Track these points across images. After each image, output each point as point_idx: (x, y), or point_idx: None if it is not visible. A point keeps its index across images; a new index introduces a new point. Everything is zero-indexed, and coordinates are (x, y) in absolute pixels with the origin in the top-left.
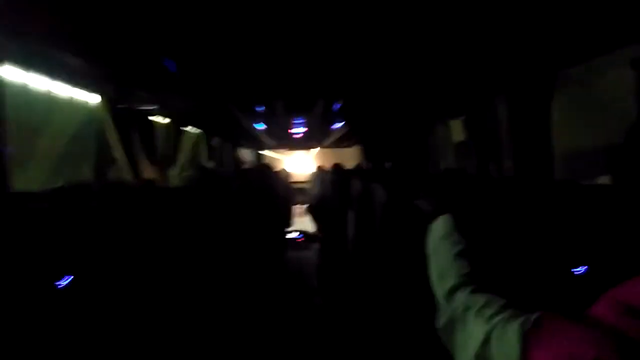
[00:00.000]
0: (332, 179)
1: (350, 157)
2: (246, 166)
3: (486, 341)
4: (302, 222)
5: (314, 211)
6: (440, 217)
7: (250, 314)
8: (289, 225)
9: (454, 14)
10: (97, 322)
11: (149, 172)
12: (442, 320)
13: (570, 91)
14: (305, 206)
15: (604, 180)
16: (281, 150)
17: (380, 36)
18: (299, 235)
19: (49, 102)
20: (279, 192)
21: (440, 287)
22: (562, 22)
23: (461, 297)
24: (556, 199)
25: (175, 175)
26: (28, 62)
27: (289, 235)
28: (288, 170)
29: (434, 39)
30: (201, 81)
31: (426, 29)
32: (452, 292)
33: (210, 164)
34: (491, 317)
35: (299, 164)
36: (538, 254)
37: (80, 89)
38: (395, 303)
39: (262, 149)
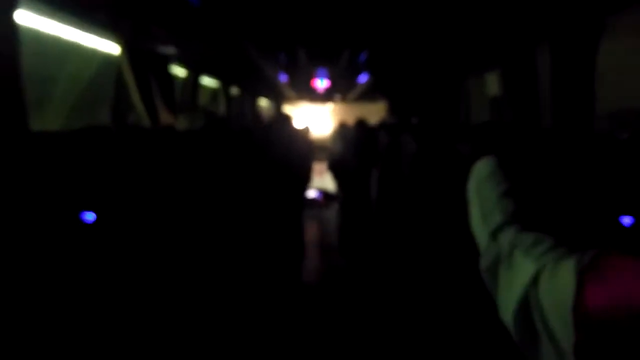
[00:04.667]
0: (355, 135)
1: (373, 112)
2: (265, 120)
3: (535, 280)
4: (321, 180)
5: (334, 169)
6: (483, 158)
7: (268, 278)
8: (309, 183)
9: None
10: (117, 261)
11: (166, 119)
12: (485, 261)
13: (618, 39)
14: (325, 163)
15: None
16: (302, 104)
17: None
18: (318, 194)
19: (65, 45)
20: (299, 148)
21: (484, 228)
22: None
23: (507, 235)
24: (598, 147)
25: (188, 124)
26: (41, 5)
27: (308, 194)
28: (309, 125)
29: None
30: (222, 21)
31: None
32: (497, 231)
33: (221, 113)
34: (541, 255)
35: (320, 119)
36: (583, 199)
37: (97, 28)
38: (424, 256)
39: (283, 101)
